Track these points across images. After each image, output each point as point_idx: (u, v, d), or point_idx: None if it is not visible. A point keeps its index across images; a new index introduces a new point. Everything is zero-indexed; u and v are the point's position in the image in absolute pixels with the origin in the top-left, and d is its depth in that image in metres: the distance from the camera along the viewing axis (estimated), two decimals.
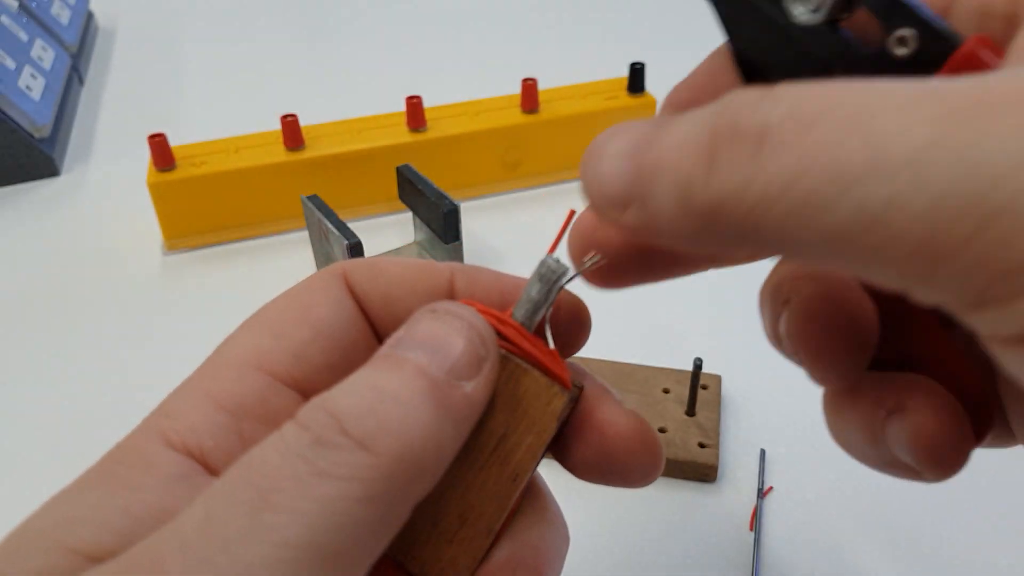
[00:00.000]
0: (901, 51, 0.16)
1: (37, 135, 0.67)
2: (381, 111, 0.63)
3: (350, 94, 0.79)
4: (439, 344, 0.18)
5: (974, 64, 0.15)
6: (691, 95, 0.21)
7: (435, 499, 0.20)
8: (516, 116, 0.61)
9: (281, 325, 0.20)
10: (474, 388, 0.18)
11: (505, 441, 0.20)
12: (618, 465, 0.20)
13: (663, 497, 0.40)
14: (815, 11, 0.17)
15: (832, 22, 0.17)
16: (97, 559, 0.15)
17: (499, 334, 0.20)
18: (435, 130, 0.60)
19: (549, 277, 0.20)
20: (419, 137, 0.59)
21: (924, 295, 0.12)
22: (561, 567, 0.21)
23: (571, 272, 0.20)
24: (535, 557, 0.20)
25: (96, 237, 0.60)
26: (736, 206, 0.13)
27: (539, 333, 0.21)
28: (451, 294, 0.21)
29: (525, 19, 0.95)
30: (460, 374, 0.17)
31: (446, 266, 0.22)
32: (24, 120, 0.66)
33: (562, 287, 0.20)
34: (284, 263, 0.57)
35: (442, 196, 0.51)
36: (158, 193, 0.56)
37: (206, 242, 0.59)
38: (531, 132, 0.62)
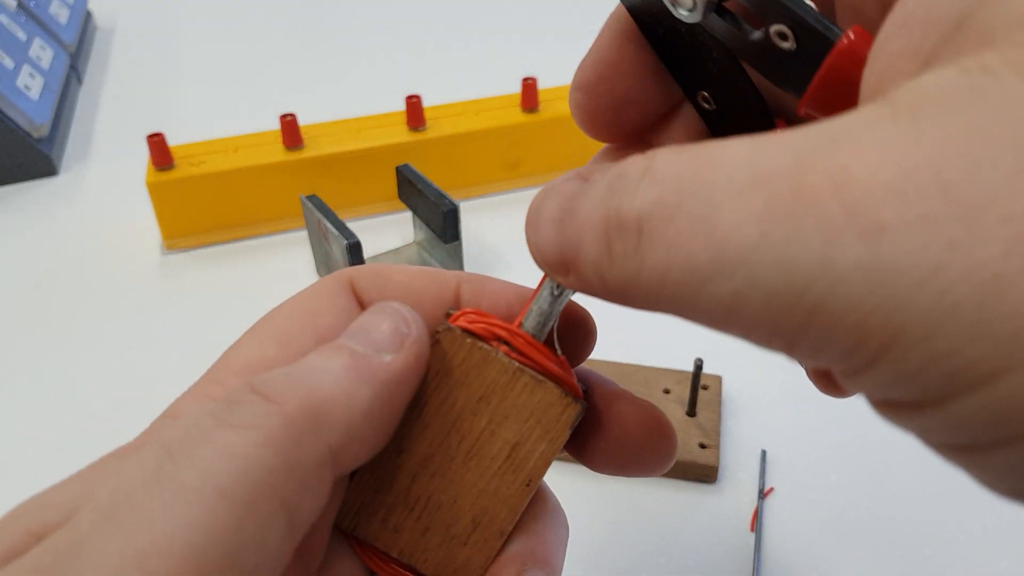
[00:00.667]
0: (784, 44, 0.16)
1: (35, 134, 0.67)
2: (380, 110, 0.62)
3: (349, 93, 0.78)
4: (367, 328, 0.19)
5: (853, 61, 0.15)
6: (597, 74, 0.21)
7: (448, 505, 0.20)
8: (516, 115, 0.61)
9: (286, 333, 0.20)
10: (395, 359, 0.19)
11: (519, 449, 0.20)
12: (637, 454, 0.21)
13: (664, 498, 0.40)
14: (691, 11, 0.17)
15: (720, 11, 0.17)
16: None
17: (510, 345, 0.20)
18: (435, 129, 0.60)
19: (556, 288, 0.20)
20: (419, 136, 0.59)
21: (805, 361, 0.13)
22: (564, 555, 0.21)
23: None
24: (543, 548, 0.21)
25: (94, 237, 0.60)
26: (637, 289, 0.14)
27: (548, 343, 0.21)
28: (457, 302, 0.22)
29: (525, 18, 0.95)
30: (381, 348, 0.19)
31: (453, 275, 0.22)
32: (22, 119, 0.66)
33: (568, 297, 0.21)
34: (283, 263, 0.57)
35: (442, 196, 0.50)
36: (157, 193, 0.56)
37: (205, 242, 0.58)
38: (531, 131, 0.61)
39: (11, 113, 0.65)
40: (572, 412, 0.20)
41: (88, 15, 0.93)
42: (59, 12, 0.84)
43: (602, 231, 0.15)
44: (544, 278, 0.20)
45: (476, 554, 0.21)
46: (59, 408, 0.46)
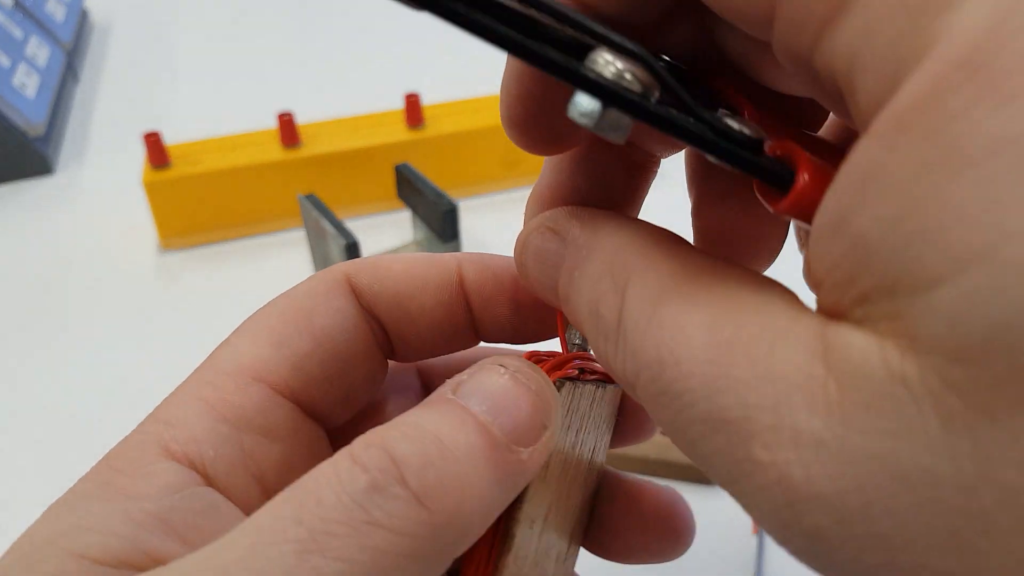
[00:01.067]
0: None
1: (31, 133, 0.67)
2: (379, 109, 0.62)
3: (347, 91, 0.78)
4: (506, 404, 0.17)
5: (806, 205, 0.14)
6: (526, 109, 0.18)
7: (561, 532, 0.20)
8: None
9: (281, 334, 0.19)
10: (530, 456, 0.17)
11: (595, 453, 0.21)
12: (660, 540, 0.22)
13: None
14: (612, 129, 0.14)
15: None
16: (105, 563, 0.15)
17: (582, 371, 0.20)
18: (434, 128, 0.59)
19: None
20: (417, 135, 0.59)
21: None
22: None
23: None
24: None
25: (91, 236, 0.60)
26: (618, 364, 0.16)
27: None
28: (461, 284, 0.21)
29: None
30: (520, 440, 0.17)
31: (451, 257, 0.21)
32: (18, 118, 0.66)
33: None
34: (281, 262, 0.56)
35: (440, 195, 0.50)
36: (153, 191, 0.55)
37: (202, 241, 0.58)
38: None
39: (7, 111, 0.65)
40: (618, 394, 0.21)
41: (84, 13, 0.92)
42: (55, 10, 0.84)
43: (593, 324, 0.16)
44: None
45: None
46: (55, 408, 0.46)
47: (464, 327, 0.22)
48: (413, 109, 0.58)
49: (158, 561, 0.16)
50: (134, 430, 0.18)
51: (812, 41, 0.13)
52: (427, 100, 0.61)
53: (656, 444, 0.40)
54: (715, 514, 0.39)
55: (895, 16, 0.11)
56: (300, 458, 0.19)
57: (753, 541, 0.37)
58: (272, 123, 0.58)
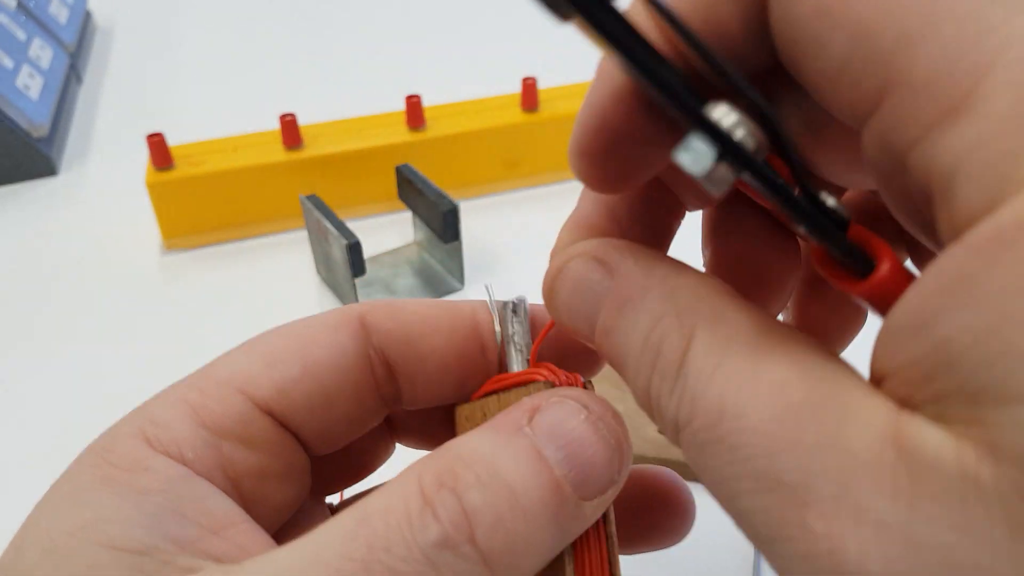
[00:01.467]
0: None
1: (35, 134, 0.67)
2: (380, 110, 0.62)
3: (349, 93, 0.78)
4: (581, 457, 0.17)
5: (885, 295, 0.14)
6: (601, 140, 0.18)
7: None
8: (516, 115, 0.61)
9: (274, 355, 0.20)
10: (592, 509, 0.17)
11: None
12: (663, 521, 0.22)
13: None
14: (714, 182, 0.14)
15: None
16: (135, 552, 0.16)
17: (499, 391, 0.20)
18: (435, 129, 0.59)
19: (505, 315, 0.21)
20: (418, 136, 0.59)
21: None
22: None
23: (527, 298, 0.21)
24: None
25: (94, 237, 0.60)
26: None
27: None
28: (475, 329, 0.21)
29: (525, 18, 0.95)
30: (586, 494, 0.17)
31: (468, 303, 0.22)
32: (22, 119, 0.66)
33: (526, 311, 0.21)
34: (283, 263, 0.57)
35: (441, 195, 0.50)
36: (156, 193, 0.55)
37: (205, 242, 0.58)
38: (531, 131, 0.61)
39: (11, 113, 0.65)
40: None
41: (88, 15, 0.92)
42: (59, 12, 0.84)
43: (647, 361, 0.16)
44: (503, 313, 0.21)
45: None
46: (58, 408, 0.46)
47: (478, 372, 0.22)
48: (414, 110, 0.59)
49: (185, 547, 0.16)
50: (119, 423, 0.19)
51: (914, 139, 0.12)
52: (428, 101, 0.62)
53: (655, 443, 0.40)
54: (715, 514, 0.39)
55: (1011, 132, 0.11)
56: (278, 468, 0.20)
57: None
58: (274, 124, 0.59)
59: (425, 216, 0.52)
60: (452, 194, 0.51)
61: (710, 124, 0.13)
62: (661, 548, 0.22)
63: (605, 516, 0.19)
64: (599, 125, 0.17)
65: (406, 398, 0.22)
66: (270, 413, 0.20)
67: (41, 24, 0.79)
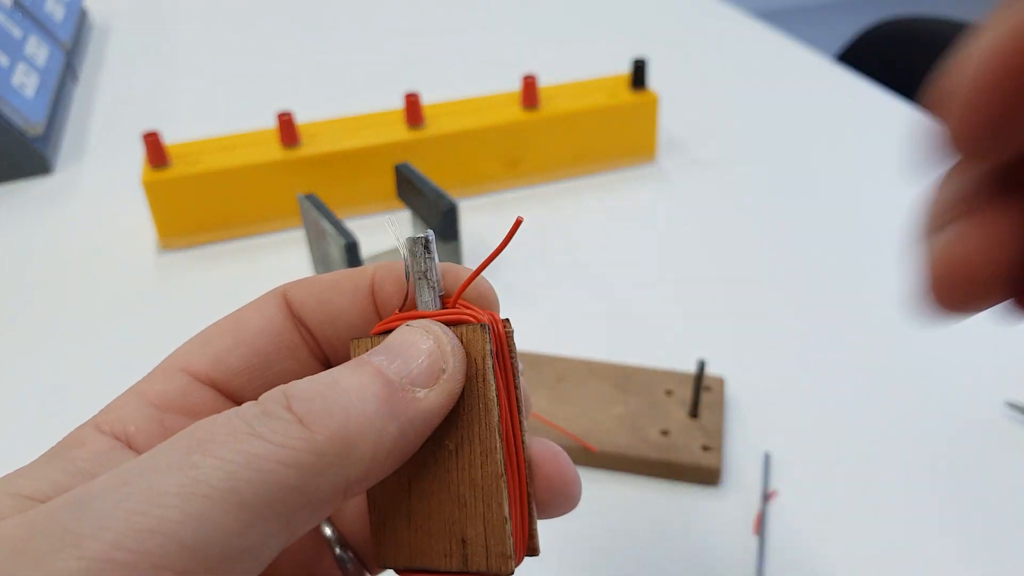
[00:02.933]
0: None
1: (31, 133, 0.67)
2: (379, 108, 0.62)
3: (347, 91, 0.78)
4: (402, 351, 0.20)
5: None
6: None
7: (441, 491, 0.21)
8: (516, 113, 0.61)
9: (209, 335, 0.23)
10: (427, 396, 0.19)
11: (467, 401, 0.21)
12: (548, 499, 0.22)
13: (665, 501, 0.39)
14: None
15: None
16: (36, 500, 0.18)
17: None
18: (434, 127, 0.59)
19: (414, 249, 0.21)
20: (417, 134, 0.58)
21: None
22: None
23: (431, 233, 0.22)
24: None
25: (90, 236, 0.60)
26: None
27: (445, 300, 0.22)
28: (371, 289, 0.23)
29: (526, 15, 0.95)
30: (416, 381, 0.19)
31: (371, 266, 0.23)
32: (17, 118, 0.66)
33: (433, 243, 0.21)
34: (280, 262, 0.56)
35: (440, 194, 0.50)
36: (152, 191, 0.55)
37: (201, 241, 0.58)
38: (531, 129, 0.61)
39: (6, 111, 0.65)
40: (479, 337, 0.21)
41: (83, 13, 0.92)
42: (54, 10, 0.84)
43: None
44: (406, 247, 0.21)
45: (488, 507, 0.21)
46: (53, 407, 0.46)
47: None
48: (413, 108, 0.58)
49: None
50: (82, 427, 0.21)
51: None
52: (427, 99, 0.61)
53: (655, 444, 0.40)
54: (715, 514, 0.38)
55: None
56: None
57: (753, 541, 0.37)
58: (271, 123, 0.58)
59: (424, 215, 0.52)
60: (451, 193, 0.50)
61: None
62: (557, 516, 0.23)
63: (510, 393, 0.21)
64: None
65: (332, 360, 0.24)
66: (212, 385, 0.22)
67: (37, 22, 0.78)
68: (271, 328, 0.23)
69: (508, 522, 0.20)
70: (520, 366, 0.22)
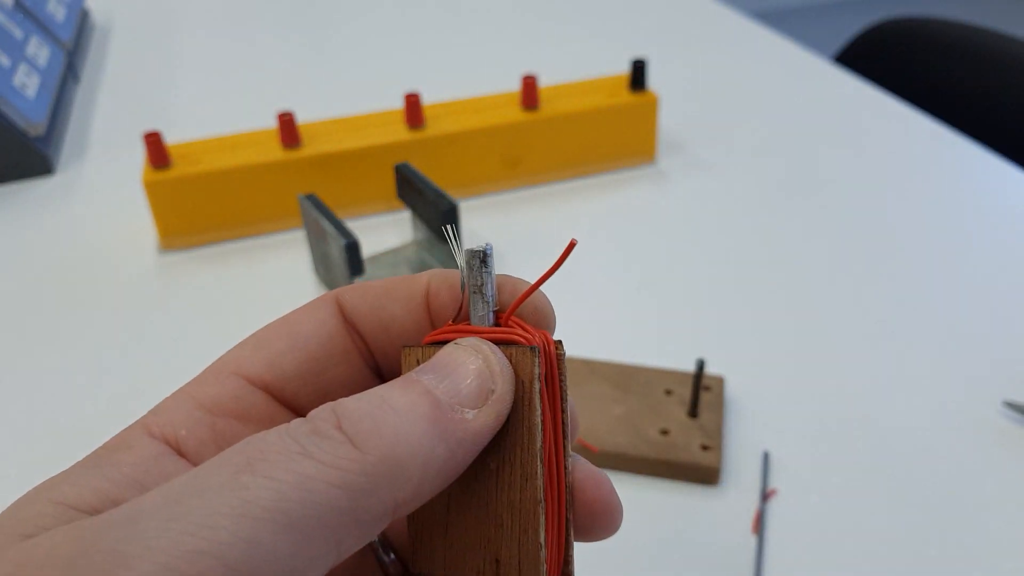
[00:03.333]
0: None
1: (32, 133, 0.67)
2: (379, 108, 0.62)
3: (347, 91, 0.78)
4: (451, 371, 0.19)
5: None
6: None
7: (480, 508, 0.21)
8: (516, 113, 0.61)
9: (262, 338, 0.22)
10: (476, 417, 0.19)
11: (512, 423, 0.21)
12: (589, 524, 0.22)
13: (665, 500, 0.39)
14: None
15: None
16: (80, 510, 0.17)
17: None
18: (434, 128, 0.59)
19: (472, 262, 0.21)
20: (418, 135, 0.59)
21: None
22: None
23: (490, 247, 0.21)
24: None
25: (91, 236, 0.60)
26: None
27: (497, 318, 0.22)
28: (425, 297, 0.23)
29: (526, 15, 0.95)
30: (465, 402, 0.19)
31: (426, 273, 0.23)
32: (19, 118, 0.66)
33: (492, 257, 0.21)
34: (281, 262, 0.56)
35: (441, 195, 0.50)
36: (153, 192, 0.55)
37: (202, 241, 0.58)
38: (531, 130, 0.61)
39: (7, 112, 0.65)
40: (528, 359, 0.20)
41: (85, 13, 0.92)
42: (56, 10, 0.84)
43: None
44: (465, 260, 0.21)
45: (524, 531, 0.21)
46: (55, 407, 0.46)
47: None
48: (413, 109, 0.58)
49: None
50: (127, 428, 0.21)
51: None
52: (427, 100, 0.61)
53: (655, 443, 0.40)
54: (714, 513, 0.39)
55: None
56: None
57: (753, 541, 0.37)
58: (272, 123, 0.58)
59: (424, 215, 0.52)
60: (452, 193, 0.51)
61: None
62: (597, 540, 0.23)
63: (560, 413, 0.21)
64: None
65: (384, 368, 0.24)
66: (266, 389, 0.22)
67: (38, 22, 0.78)
68: (324, 333, 0.22)
69: (543, 549, 0.20)
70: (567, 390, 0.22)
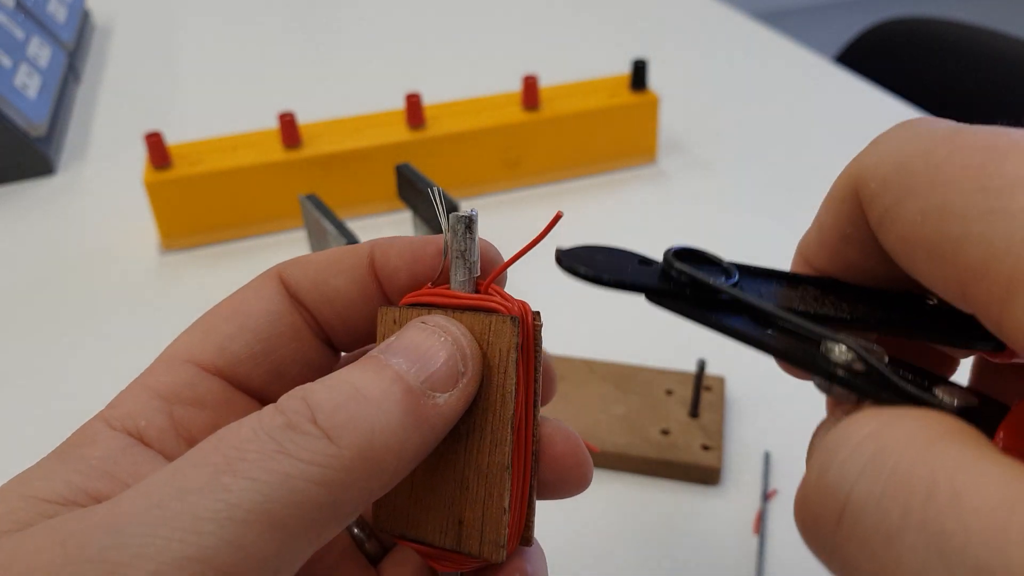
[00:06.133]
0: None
1: (33, 134, 0.67)
2: (380, 109, 0.62)
3: (348, 91, 0.78)
4: (421, 354, 0.19)
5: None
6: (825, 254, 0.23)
7: (446, 468, 0.21)
8: (517, 114, 0.61)
9: (209, 322, 0.22)
10: (447, 400, 0.19)
11: (485, 391, 0.21)
12: (560, 479, 0.22)
13: (666, 500, 0.39)
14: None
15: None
16: (54, 503, 0.17)
17: (434, 305, 0.21)
18: (435, 128, 0.59)
19: (456, 227, 0.21)
20: (418, 135, 0.59)
21: None
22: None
23: (475, 212, 0.21)
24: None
25: (92, 236, 0.60)
26: None
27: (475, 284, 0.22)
28: (371, 266, 0.23)
29: (526, 15, 0.95)
30: (436, 386, 0.19)
31: (367, 243, 0.23)
32: (20, 119, 0.66)
33: (476, 224, 0.21)
34: None
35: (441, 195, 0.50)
36: (155, 192, 0.55)
37: (203, 241, 0.58)
38: (532, 130, 0.61)
39: (9, 112, 0.65)
40: (508, 329, 0.21)
41: (86, 14, 0.92)
42: (57, 11, 0.84)
43: None
44: (450, 224, 0.21)
45: (489, 495, 0.21)
46: (55, 407, 0.46)
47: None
48: (414, 109, 0.58)
49: (104, 499, 0.17)
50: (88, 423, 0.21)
51: (998, 314, 0.16)
52: (428, 100, 0.61)
53: (656, 443, 0.40)
54: (715, 513, 0.39)
55: None
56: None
57: (754, 541, 0.37)
58: (273, 123, 0.58)
59: (425, 215, 0.52)
60: (452, 193, 0.51)
61: (821, 368, 0.18)
62: (566, 496, 0.23)
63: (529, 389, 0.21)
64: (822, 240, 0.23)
65: (334, 340, 0.23)
66: (219, 374, 0.22)
67: (39, 23, 0.78)
68: (272, 311, 0.22)
69: (507, 513, 0.21)
70: (543, 357, 0.22)
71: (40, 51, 0.75)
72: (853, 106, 0.74)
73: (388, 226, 0.59)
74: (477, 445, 0.21)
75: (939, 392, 0.18)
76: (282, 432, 0.17)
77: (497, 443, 0.21)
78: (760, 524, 0.38)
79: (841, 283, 0.22)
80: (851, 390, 0.18)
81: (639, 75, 0.62)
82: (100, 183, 0.66)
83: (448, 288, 0.22)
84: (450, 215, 0.21)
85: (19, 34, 0.73)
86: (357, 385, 0.18)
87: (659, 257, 0.21)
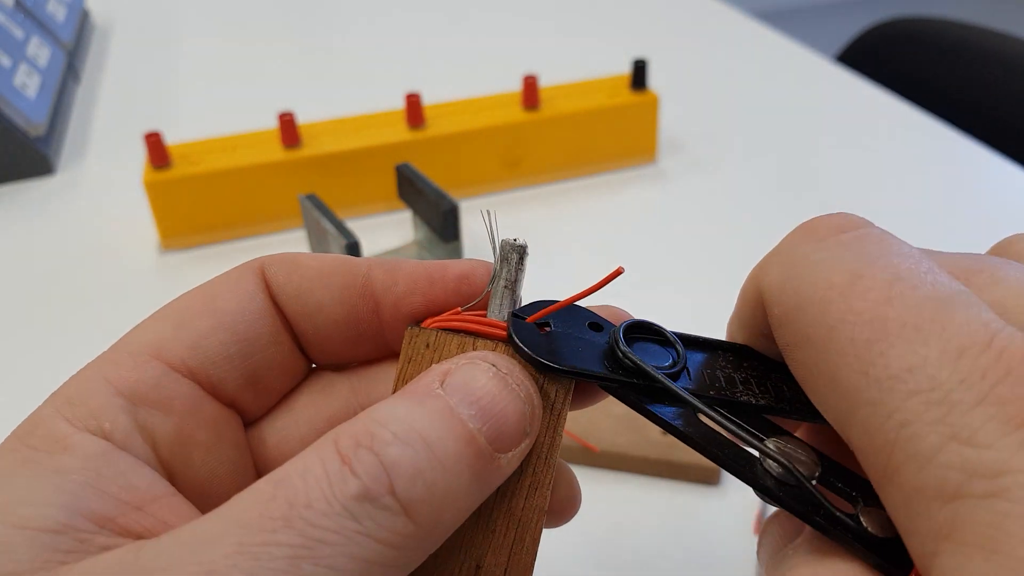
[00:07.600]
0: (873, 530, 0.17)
1: (32, 133, 0.67)
2: (380, 108, 0.62)
3: (348, 91, 0.78)
4: (494, 413, 0.18)
5: None
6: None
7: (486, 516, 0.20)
8: (517, 113, 0.61)
9: (184, 314, 0.20)
10: (508, 461, 0.18)
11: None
12: (555, 516, 0.22)
13: (666, 500, 0.39)
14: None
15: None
16: (50, 532, 0.16)
17: (481, 335, 0.20)
18: (434, 128, 0.59)
19: (510, 256, 0.20)
20: (418, 135, 0.59)
21: None
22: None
23: (527, 244, 0.20)
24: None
25: (91, 236, 0.60)
26: None
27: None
28: (368, 287, 0.21)
29: (526, 15, 0.95)
30: (502, 447, 0.18)
31: (364, 261, 0.21)
32: (19, 118, 0.66)
33: (526, 259, 0.20)
34: None
35: (441, 195, 0.50)
36: (154, 192, 0.55)
37: (202, 241, 0.58)
38: (532, 130, 0.61)
39: (8, 112, 0.65)
40: (565, 385, 0.20)
41: (85, 13, 0.92)
42: (56, 10, 0.84)
43: None
44: (499, 252, 0.20)
45: (519, 540, 0.20)
46: None
47: (371, 331, 0.21)
48: (414, 109, 0.58)
49: (104, 524, 0.16)
50: (38, 408, 0.19)
51: (877, 487, 0.16)
52: (428, 100, 0.61)
53: (656, 443, 0.40)
54: (715, 513, 0.39)
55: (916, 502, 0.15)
56: (201, 434, 0.20)
57: (753, 541, 0.37)
58: (273, 123, 0.58)
59: (425, 215, 0.52)
60: (452, 193, 0.51)
61: (758, 485, 0.18)
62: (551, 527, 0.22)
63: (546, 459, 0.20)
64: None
65: (309, 352, 0.22)
66: (186, 372, 0.20)
67: (39, 22, 0.78)
68: (251, 310, 0.20)
69: (535, 559, 0.19)
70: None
71: (39, 51, 0.75)
72: (853, 106, 0.74)
73: (388, 226, 0.59)
74: (513, 488, 0.20)
75: (864, 520, 0.17)
76: (359, 506, 0.15)
77: (537, 487, 0.20)
78: (760, 524, 0.38)
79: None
80: (783, 508, 0.18)
81: (639, 75, 0.62)
82: (99, 183, 0.66)
83: (484, 314, 0.20)
84: (502, 243, 0.20)
85: (18, 34, 0.73)
86: (428, 440, 0.16)
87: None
